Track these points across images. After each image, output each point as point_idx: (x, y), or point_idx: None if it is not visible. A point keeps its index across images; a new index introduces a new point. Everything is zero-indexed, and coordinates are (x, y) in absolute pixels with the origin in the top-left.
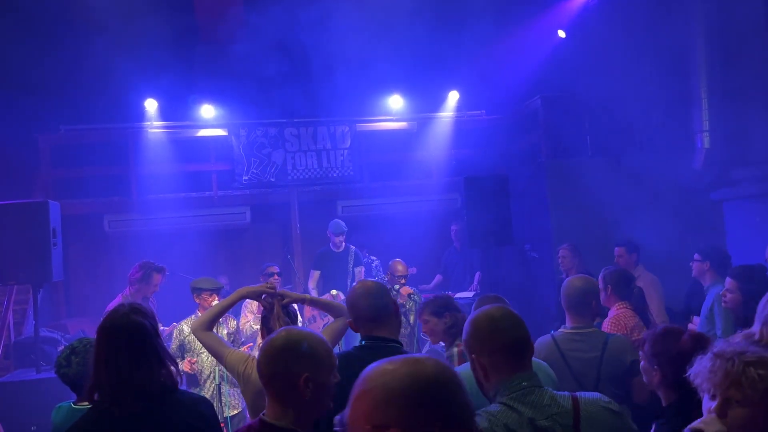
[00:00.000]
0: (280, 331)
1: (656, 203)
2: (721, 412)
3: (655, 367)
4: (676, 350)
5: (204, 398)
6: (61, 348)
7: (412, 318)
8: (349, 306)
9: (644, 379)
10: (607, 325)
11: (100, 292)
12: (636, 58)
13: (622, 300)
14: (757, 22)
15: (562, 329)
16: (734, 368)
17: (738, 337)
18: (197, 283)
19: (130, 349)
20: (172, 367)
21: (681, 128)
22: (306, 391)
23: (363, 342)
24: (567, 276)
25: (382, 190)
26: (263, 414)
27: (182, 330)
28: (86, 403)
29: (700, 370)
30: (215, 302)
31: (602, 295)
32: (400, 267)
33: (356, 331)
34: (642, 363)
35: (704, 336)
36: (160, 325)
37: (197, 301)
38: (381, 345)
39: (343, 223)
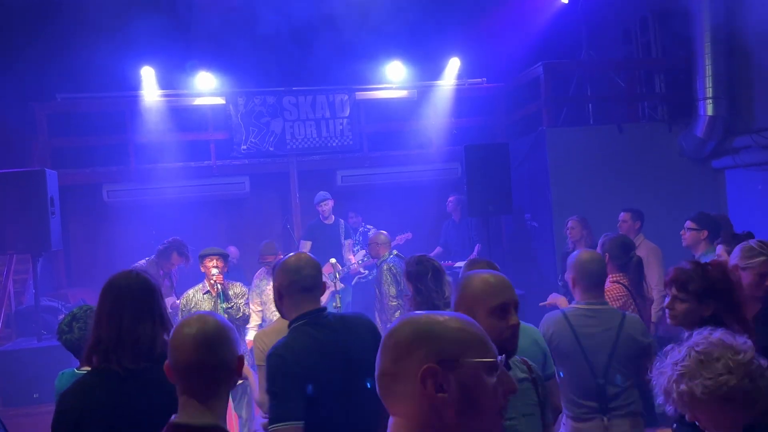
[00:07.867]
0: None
1: (658, 171)
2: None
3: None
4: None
5: None
6: (61, 316)
7: (388, 288)
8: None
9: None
10: None
11: (100, 261)
12: (639, 24)
13: (618, 271)
14: None
15: (573, 304)
16: (668, 383)
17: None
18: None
19: (134, 303)
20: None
21: (684, 95)
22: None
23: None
24: (575, 247)
25: (381, 159)
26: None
27: (190, 298)
28: (88, 368)
29: (659, 370)
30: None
31: None
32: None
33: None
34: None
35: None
36: (174, 299)
37: (202, 269)
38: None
39: (324, 192)
